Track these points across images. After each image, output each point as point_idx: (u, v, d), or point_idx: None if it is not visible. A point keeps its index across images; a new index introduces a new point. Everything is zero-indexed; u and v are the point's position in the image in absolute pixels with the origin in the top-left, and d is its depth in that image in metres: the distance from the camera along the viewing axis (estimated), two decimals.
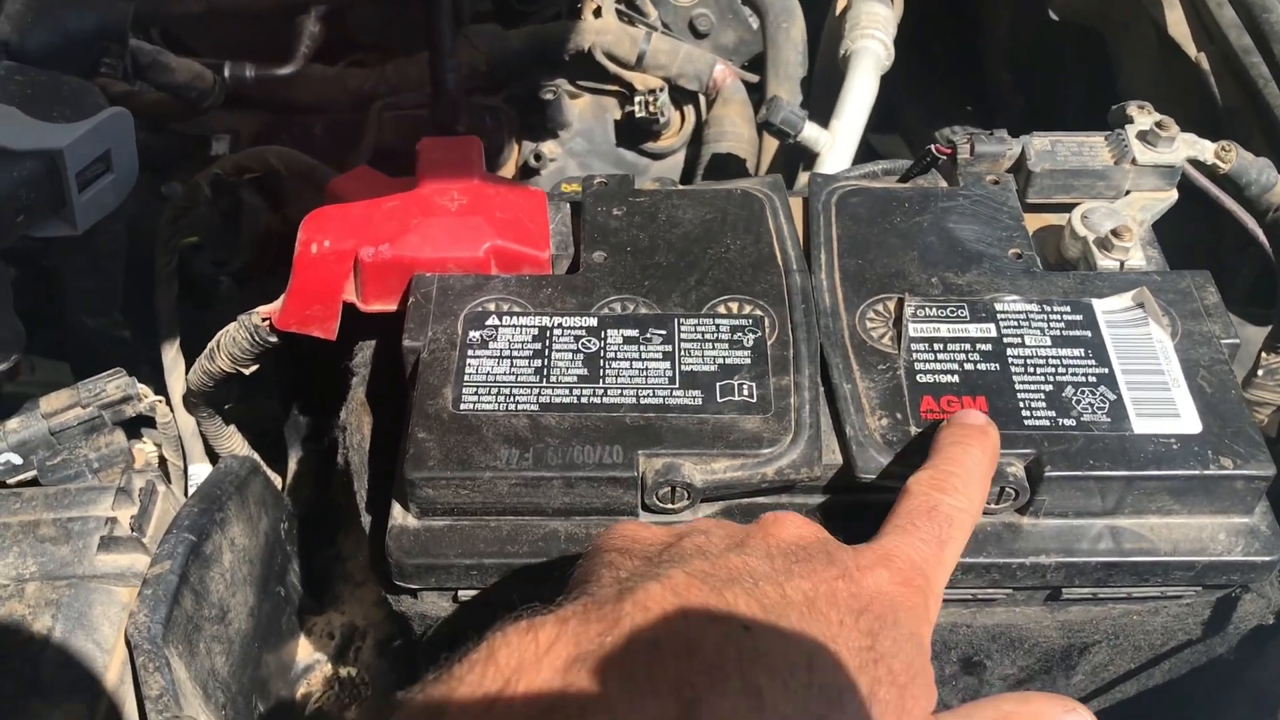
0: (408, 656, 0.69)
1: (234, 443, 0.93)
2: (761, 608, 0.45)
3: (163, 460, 0.95)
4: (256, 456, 0.96)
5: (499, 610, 0.63)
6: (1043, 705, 0.50)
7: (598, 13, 1.30)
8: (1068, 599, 0.64)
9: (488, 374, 0.65)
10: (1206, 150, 0.76)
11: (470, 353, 0.66)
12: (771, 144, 1.29)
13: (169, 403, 0.93)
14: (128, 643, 0.67)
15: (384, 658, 0.86)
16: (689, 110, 1.34)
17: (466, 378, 0.65)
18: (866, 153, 1.35)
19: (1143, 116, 0.77)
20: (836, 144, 1.12)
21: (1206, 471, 0.60)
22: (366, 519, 0.68)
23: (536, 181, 1.31)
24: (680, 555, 0.49)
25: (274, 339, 0.77)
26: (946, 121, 0.82)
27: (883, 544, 0.52)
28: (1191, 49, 1.04)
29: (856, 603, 0.48)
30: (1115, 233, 0.71)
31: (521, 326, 0.67)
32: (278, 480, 0.96)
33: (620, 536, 0.52)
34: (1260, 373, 0.86)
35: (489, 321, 0.68)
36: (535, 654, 0.43)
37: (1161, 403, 0.63)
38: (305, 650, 0.90)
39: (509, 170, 1.30)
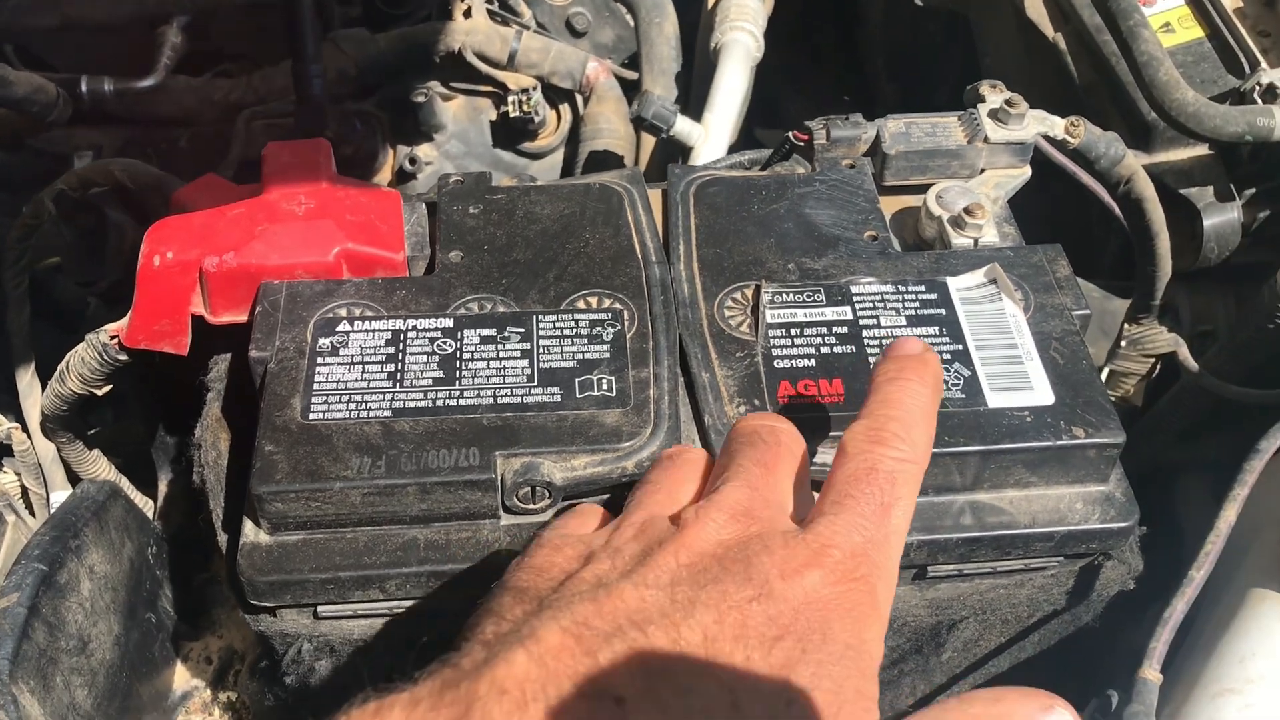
0: (275, 677, 0.67)
1: (98, 467, 0.90)
2: (643, 667, 0.41)
3: (25, 490, 0.92)
4: (124, 480, 0.93)
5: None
6: (1016, 704, 0.46)
7: (468, 13, 1.28)
8: (934, 576, 0.64)
9: (338, 381, 0.63)
10: (1056, 126, 0.77)
11: (320, 360, 0.64)
12: (649, 140, 1.28)
13: (26, 429, 0.89)
14: None
15: (257, 679, 0.83)
16: (565, 109, 1.33)
17: (316, 386, 0.63)
18: (751, 146, 1.35)
19: (994, 95, 0.78)
20: (709, 136, 1.12)
21: (1060, 442, 0.61)
22: (223, 538, 0.66)
23: (413, 185, 1.29)
24: (572, 595, 0.45)
25: (124, 357, 0.74)
26: (829, 111, 0.83)
27: (817, 531, 0.47)
28: (1049, 29, 1.06)
29: (773, 628, 0.43)
30: (968, 210, 0.72)
31: (374, 331, 0.66)
32: (148, 504, 0.93)
33: (527, 568, 0.49)
34: (1124, 343, 0.88)
35: (340, 327, 0.66)
36: None
37: (1015, 376, 0.63)
38: (182, 677, 0.88)
39: (384, 175, 1.28)
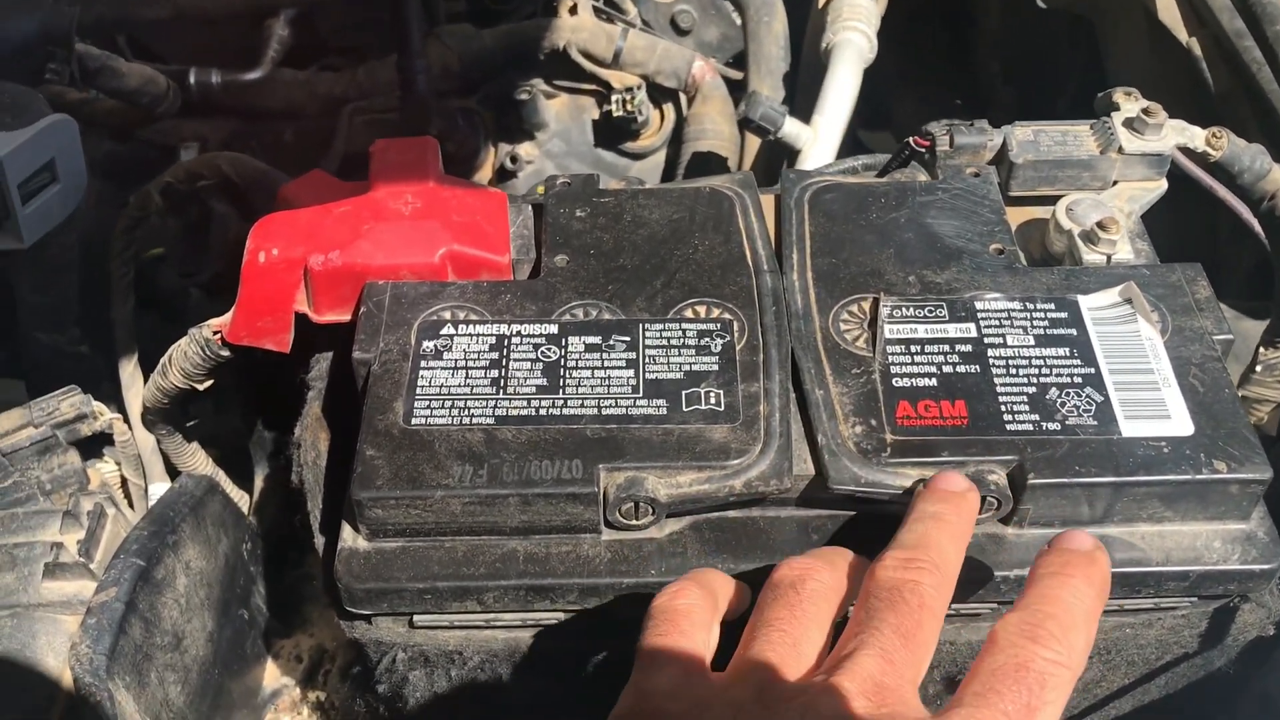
0: (367, 684, 0.66)
1: (196, 460, 0.90)
2: None
3: (124, 480, 0.92)
4: (221, 473, 0.93)
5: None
6: None
7: (574, 10, 1.27)
8: None
9: (441, 386, 0.62)
10: (1197, 137, 0.73)
11: (423, 364, 0.63)
12: (754, 142, 1.25)
13: (127, 420, 0.89)
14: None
15: (348, 684, 0.82)
16: (669, 108, 1.30)
17: (419, 390, 0.61)
18: (858, 149, 1.31)
19: (1129, 103, 0.74)
20: (819, 139, 1.09)
21: (1199, 476, 0.57)
22: (320, 540, 0.65)
23: (514, 184, 1.28)
24: None
25: (226, 353, 0.74)
26: (938, 115, 0.79)
27: None
28: (1183, 33, 1.01)
29: None
30: (1101, 225, 0.68)
31: (478, 335, 0.64)
32: (244, 498, 0.93)
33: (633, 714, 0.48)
34: (1259, 368, 0.83)
35: (444, 331, 0.64)
36: None
37: (1151, 404, 0.60)
38: (272, 675, 0.87)
39: (485, 173, 1.27)
